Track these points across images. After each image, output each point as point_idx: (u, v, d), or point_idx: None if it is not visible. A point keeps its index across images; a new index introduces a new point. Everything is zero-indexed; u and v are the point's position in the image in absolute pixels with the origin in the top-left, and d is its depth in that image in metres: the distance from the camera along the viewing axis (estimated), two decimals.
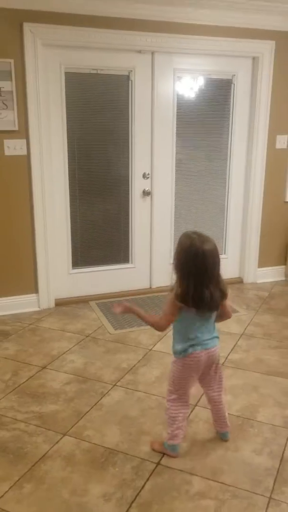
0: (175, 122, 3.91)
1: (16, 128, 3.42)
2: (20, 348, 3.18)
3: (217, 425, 2.26)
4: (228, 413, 2.40)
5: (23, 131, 3.45)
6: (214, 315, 2.06)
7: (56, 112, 3.57)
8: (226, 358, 3.03)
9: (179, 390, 2.11)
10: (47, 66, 3.45)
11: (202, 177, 4.16)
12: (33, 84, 3.38)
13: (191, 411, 2.45)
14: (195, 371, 2.09)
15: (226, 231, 4.37)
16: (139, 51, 3.65)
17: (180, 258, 1.94)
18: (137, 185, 3.94)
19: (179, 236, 2.00)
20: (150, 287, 4.18)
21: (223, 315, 2.10)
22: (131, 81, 3.71)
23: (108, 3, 3.37)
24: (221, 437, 2.26)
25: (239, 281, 4.50)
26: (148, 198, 4.00)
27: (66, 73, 3.53)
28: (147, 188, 3.96)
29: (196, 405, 2.51)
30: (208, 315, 2.02)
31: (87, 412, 2.47)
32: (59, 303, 3.90)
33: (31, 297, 3.79)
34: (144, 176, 3.93)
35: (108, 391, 2.65)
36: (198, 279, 1.90)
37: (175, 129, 3.93)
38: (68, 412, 2.47)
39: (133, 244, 4.06)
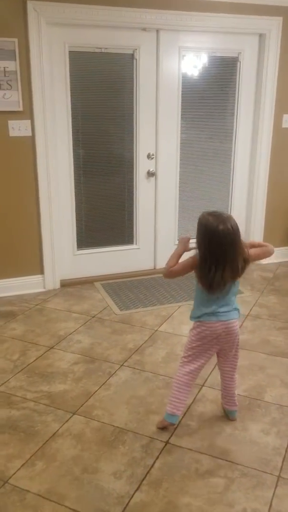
0: (180, 102, 3.86)
1: (21, 108, 3.38)
2: (28, 328, 3.21)
3: (225, 402, 2.29)
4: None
5: (27, 112, 3.42)
6: (234, 287, 2.05)
7: (60, 92, 3.53)
8: None
9: (191, 360, 2.13)
10: (51, 45, 3.40)
11: (207, 157, 4.13)
12: (37, 64, 3.33)
13: (198, 391, 2.49)
14: (211, 343, 2.10)
15: (230, 212, 4.35)
16: (144, 29, 3.59)
17: (198, 239, 1.96)
18: (141, 165, 3.92)
19: (198, 216, 1.99)
20: (155, 268, 4.19)
21: (263, 248, 2.09)
22: (136, 59, 3.65)
23: None
24: (228, 415, 2.29)
25: None
26: (152, 179, 3.98)
27: (70, 52, 3.48)
28: (152, 169, 3.94)
29: (203, 385, 2.54)
30: (225, 291, 2.02)
31: (95, 391, 2.50)
32: (65, 284, 3.92)
33: (37, 278, 3.80)
34: (148, 156, 3.91)
35: (115, 371, 2.69)
36: (215, 261, 1.91)
37: (180, 109, 3.88)
38: (77, 391, 2.50)
39: (137, 225, 4.06)
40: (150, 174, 3.95)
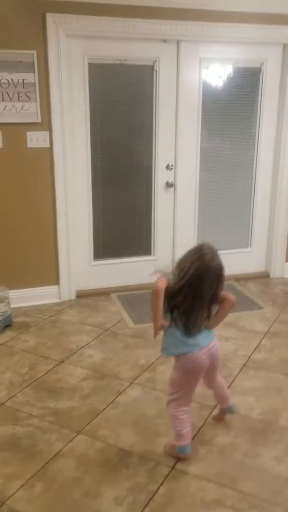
0: (200, 113, 3.80)
1: (39, 120, 3.38)
2: (40, 340, 3.18)
3: (222, 403, 2.28)
4: (250, 417, 2.35)
5: (46, 123, 3.41)
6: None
7: (79, 103, 3.52)
8: (249, 357, 2.95)
9: (183, 394, 2.06)
10: (70, 57, 3.39)
11: (228, 168, 4.05)
12: (56, 76, 3.33)
13: (210, 413, 2.39)
14: (199, 373, 2.04)
15: (252, 223, 4.25)
16: (164, 40, 3.55)
17: (185, 263, 1.90)
18: (160, 176, 3.86)
19: (194, 245, 1.97)
20: None
21: (222, 302, 2.02)
22: (156, 71, 3.61)
23: None
24: (229, 411, 2.30)
25: (265, 275, 4.38)
26: (171, 190, 3.92)
27: (90, 64, 3.47)
28: (171, 180, 3.88)
29: (215, 406, 2.44)
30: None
31: (103, 410, 2.44)
32: (80, 295, 3.88)
33: (52, 288, 3.79)
34: (167, 167, 3.85)
35: (125, 389, 2.62)
36: (191, 293, 1.89)
37: (200, 120, 3.82)
38: (84, 409, 2.45)
39: (155, 237, 4.00)
40: (169, 184, 3.89)
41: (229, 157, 4.03)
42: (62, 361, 2.92)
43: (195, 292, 1.89)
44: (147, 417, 2.39)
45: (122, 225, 3.94)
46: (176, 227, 4.03)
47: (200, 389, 2.18)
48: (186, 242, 4.03)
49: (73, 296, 3.86)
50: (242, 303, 3.77)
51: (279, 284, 4.21)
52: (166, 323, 2.01)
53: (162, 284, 1.91)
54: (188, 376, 2.02)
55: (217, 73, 3.78)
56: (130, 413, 2.42)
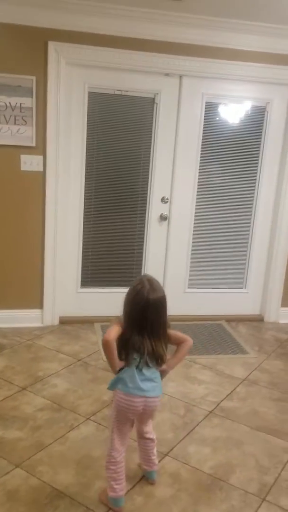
0: (200, 148, 3.76)
1: (34, 144, 3.42)
2: (9, 364, 3.12)
3: (144, 463, 2.11)
4: (199, 469, 2.21)
5: (40, 148, 3.44)
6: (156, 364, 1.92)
7: (76, 130, 3.54)
8: (218, 405, 2.80)
9: (113, 430, 1.94)
10: (71, 85, 3.44)
11: (226, 206, 3.97)
12: (53, 102, 3.37)
13: (159, 460, 2.26)
14: (130, 415, 1.92)
15: (248, 264, 4.13)
16: (167, 74, 3.56)
17: (127, 300, 1.87)
18: (154, 209, 3.82)
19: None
20: None
21: (181, 343, 1.96)
22: (156, 104, 3.62)
23: (135, 25, 3.32)
24: (148, 477, 2.12)
25: (259, 318, 4.22)
26: (165, 223, 3.86)
27: (90, 93, 3.51)
28: (165, 213, 3.83)
29: (167, 454, 2.31)
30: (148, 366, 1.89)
31: (49, 444, 2.34)
32: (64, 321, 3.83)
33: (36, 312, 3.75)
34: (163, 200, 3.81)
35: (78, 424, 2.52)
36: (138, 329, 1.83)
37: (199, 155, 3.78)
38: (30, 441, 2.36)
39: (146, 268, 3.93)
40: (163, 218, 3.84)
41: (228, 195, 3.95)
42: (25, 388, 2.84)
43: (141, 325, 1.84)
44: (92, 457, 2.27)
45: (113, 254, 3.89)
46: (168, 261, 3.95)
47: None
48: (178, 277, 3.98)
49: (56, 322, 3.81)
50: (227, 345, 3.63)
51: (272, 329, 4.05)
52: (122, 364, 1.92)
53: (112, 334, 1.84)
54: (120, 415, 1.91)
55: (219, 110, 3.75)
56: (76, 451, 2.31)
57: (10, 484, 2.06)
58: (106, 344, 1.85)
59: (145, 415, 1.96)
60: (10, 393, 2.78)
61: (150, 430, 2.09)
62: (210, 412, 2.71)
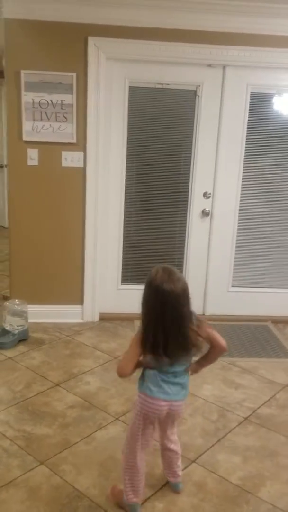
0: (244, 141, 3.60)
1: (74, 140, 3.42)
2: (46, 359, 3.15)
3: (168, 473, 2.03)
4: (227, 480, 2.11)
5: (81, 144, 3.44)
6: (183, 365, 1.80)
7: (117, 125, 3.50)
8: (254, 411, 2.67)
9: (132, 431, 1.86)
10: (112, 80, 3.40)
11: (273, 200, 3.78)
12: (94, 98, 3.35)
13: (185, 468, 2.18)
14: (153, 419, 1.83)
15: None
16: (209, 65, 3.43)
17: (143, 296, 1.74)
18: (196, 204, 3.71)
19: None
20: (203, 314, 3.91)
21: (213, 345, 1.82)
22: (198, 96, 3.50)
23: (175, 16, 3.22)
24: (173, 487, 2.03)
25: None
26: (207, 219, 3.75)
27: (130, 87, 3.46)
28: (207, 208, 3.71)
29: (194, 461, 2.22)
30: (175, 367, 1.77)
31: (75, 443, 2.33)
32: (104, 318, 3.82)
33: (76, 308, 3.77)
34: (205, 195, 3.69)
35: (106, 424, 2.49)
36: (159, 323, 1.68)
37: (244, 148, 3.62)
38: (57, 439, 2.36)
39: (187, 266, 3.84)
40: (205, 213, 3.72)
41: (276, 190, 3.76)
42: (58, 384, 2.86)
43: (162, 323, 1.68)
44: (117, 459, 2.22)
45: (154, 251, 3.83)
46: (210, 258, 3.83)
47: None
48: (221, 275, 3.85)
49: (96, 318, 3.81)
50: (271, 348, 3.46)
51: None
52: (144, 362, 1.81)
53: (128, 368, 1.77)
54: (143, 418, 1.83)
55: (266, 100, 3.57)
56: (101, 451, 2.28)
57: (33, 481, 2.07)
58: (120, 377, 1.81)
59: (168, 419, 1.88)
60: (43, 388, 2.80)
61: (175, 440, 2.00)
62: (245, 418, 2.59)
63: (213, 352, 1.86)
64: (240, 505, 1.99)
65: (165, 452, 2.00)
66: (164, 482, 2.08)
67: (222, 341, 1.82)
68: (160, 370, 1.77)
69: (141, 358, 1.79)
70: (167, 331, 1.68)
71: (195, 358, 1.86)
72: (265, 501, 2.02)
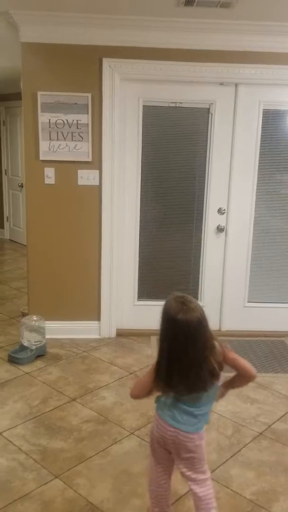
0: (257, 158, 3.64)
1: (90, 159, 3.50)
2: (62, 375, 3.19)
3: None
4: (240, 494, 2.09)
5: (96, 163, 3.52)
6: (209, 394, 1.67)
7: (132, 144, 3.58)
8: (269, 426, 2.65)
9: (152, 455, 1.83)
10: (126, 99, 3.49)
11: (286, 216, 3.78)
12: (108, 117, 3.44)
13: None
14: (157, 444, 1.76)
15: None
16: (221, 83, 3.49)
17: (160, 326, 1.66)
18: (211, 220, 3.74)
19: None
20: (220, 329, 3.90)
21: (240, 373, 1.71)
22: (211, 114, 3.56)
23: (186, 36, 3.30)
24: None
25: None
26: (222, 235, 3.77)
27: (144, 106, 3.53)
28: (222, 224, 3.74)
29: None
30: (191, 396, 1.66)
31: (90, 457, 2.35)
32: (121, 333, 3.85)
33: (93, 324, 3.80)
34: (219, 211, 3.72)
35: (121, 439, 2.50)
36: (173, 355, 1.60)
37: (257, 165, 3.65)
38: (73, 453, 2.38)
39: (203, 282, 3.85)
40: (220, 229, 3.75)
41: None
42: (74, 399, 2.88)
43: (175, 355, 1.60)
44: (131, 473, 2.24)
45: (170, 267, 3.86)
46: (225, 274, 3.84)
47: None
48: (236, 291, 3.86)
49: (113, 334, 3.84)
50: (287, 363, 3.43)
51: None
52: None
53: (138, 392, 1.74)
54: (151, 438, 1.80)
55: (279, 117, 3.60)
56: (116, 465, 2.29)
57: (47, 495, 2.08)
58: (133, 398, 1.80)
59: (177, 453, 1.72)
60: (59, 403, 2.83)
61: (199, 480, 1.73)
62: (260, 433, 2.57)
63: (242, 380, 1.76)
64: None
65: (192, 490, 1.78)
66: (184, 492, 2.07)
67: (250, 368, 1.70)
68: (177, 398, 1.69)
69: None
70: (181, 363, 1.60)
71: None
72: None
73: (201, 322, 1.60)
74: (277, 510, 2.02)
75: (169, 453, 1.77)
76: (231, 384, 1.80)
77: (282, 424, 2.68)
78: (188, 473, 1.74)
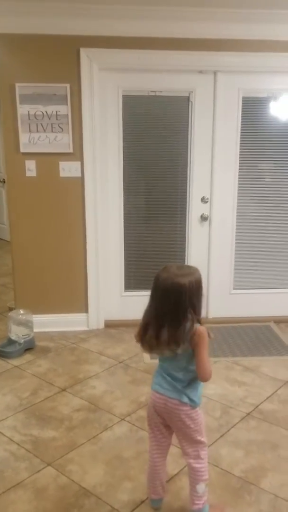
0: (238, 145, 3.66)
1: (71, 150, 3.50)
2: (52, 366, 3.19)
3: (189, 499, 1.85)
4: (230, 472, 2.13)
5: (77, 154, 3.51)
6: (180, 361, 1.73)
7: (112, 134, 3.58)
8: (257, 407, 2.69)
9: (149, 427, 1.88)
10: (105, 89, 3.48)
11: (270, 202, 3.83)
12: (88, 108, 3.43)
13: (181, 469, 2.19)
14: (153, 414, 1.83)
15: None
16: (200, 71, 3.51)
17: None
18: (194, 209, 3.76)
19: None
20: (206, 317, 3.93)
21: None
22: (191, 102, 3.57)
23: (164, 24, 3.30)
24: None
25: None
26: (206, 223, 3.79)
27: (124, 96, 3.53)
28: (206, 213, 3.76)
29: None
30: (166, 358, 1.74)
31: (81, 444, 2.36)
32: (109, 325, 3.86)
33: (81, 316, 3.81)
34: (203, 200, 3.74)
35: (112, 425, 2.52)
36: (152, 312, 1.72)
37: (238, 153, 3.68)
38: (64, 441, 2.39)
39: None
40: (204, 218, 3.77)
41: (273, 192, 3.81)
42: (64, 390, 2.89)
43: (160, 312, 1.69)
44: (123, 458, 2.26)
45: (155, 256, 3.87)
46: (211, 262, 3.87)
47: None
48: (222, 278, 3.90)
49: (101, 325, 3.85)
50: (273, 347, 3.48)
51: None
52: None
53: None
54: (148, 410, 1.85)
55: (257, 104, 3.63)
56: (107, 451, 2.31)
57: (40, 482, 2.10)
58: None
59: (170, 420, 1.79)
60: (49, 394, 2.84)
61: (189, 452, 1.81)
62: (248, 414, 2.61)
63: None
64: (242, 496, 2.01)
65: (186, 459, 1.85)
66: (174, 473, 2.10)
67: (203, 371, 1.69)
68: (160, 361, 1.80)
69: None
70: (164, 322, 1.68)
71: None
72: (267, 491, 2.04)
73: (182, 290, 1.65)
74: (266, 486, 2.07)
75: (165, 429, 1.83)
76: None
77: (269, 404, 2.72)
78: (184, 443, 1.81)
